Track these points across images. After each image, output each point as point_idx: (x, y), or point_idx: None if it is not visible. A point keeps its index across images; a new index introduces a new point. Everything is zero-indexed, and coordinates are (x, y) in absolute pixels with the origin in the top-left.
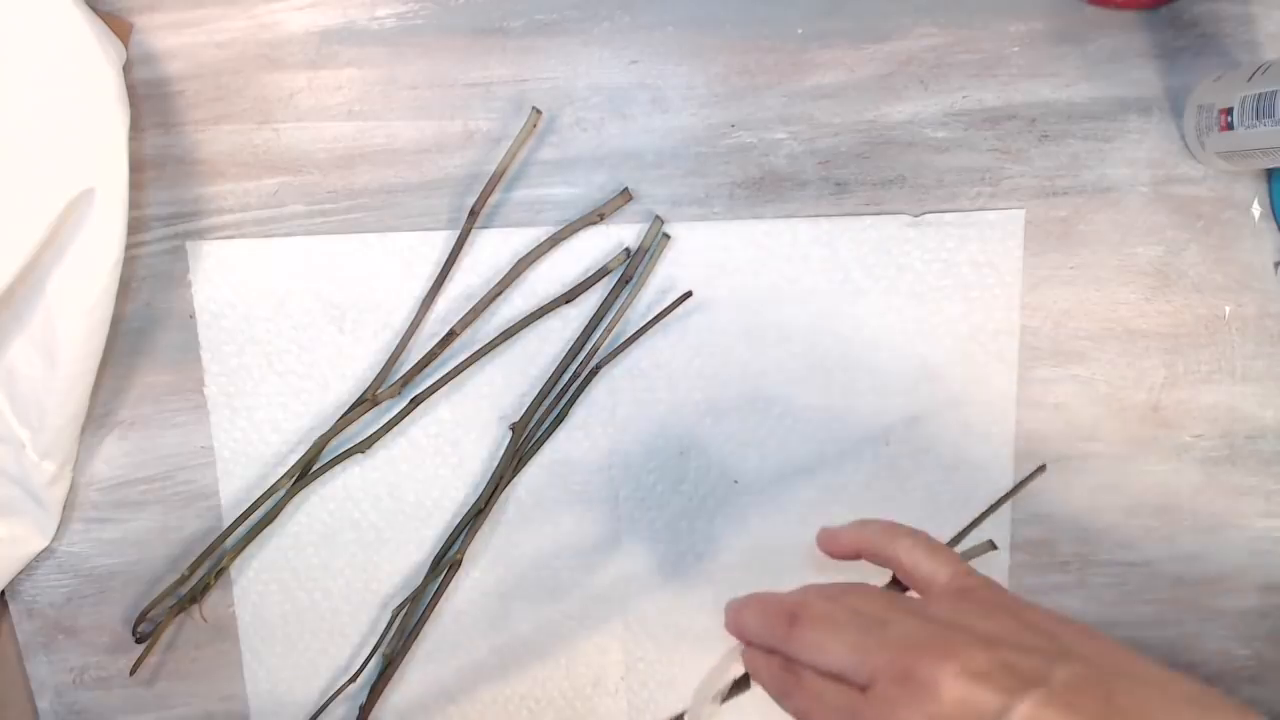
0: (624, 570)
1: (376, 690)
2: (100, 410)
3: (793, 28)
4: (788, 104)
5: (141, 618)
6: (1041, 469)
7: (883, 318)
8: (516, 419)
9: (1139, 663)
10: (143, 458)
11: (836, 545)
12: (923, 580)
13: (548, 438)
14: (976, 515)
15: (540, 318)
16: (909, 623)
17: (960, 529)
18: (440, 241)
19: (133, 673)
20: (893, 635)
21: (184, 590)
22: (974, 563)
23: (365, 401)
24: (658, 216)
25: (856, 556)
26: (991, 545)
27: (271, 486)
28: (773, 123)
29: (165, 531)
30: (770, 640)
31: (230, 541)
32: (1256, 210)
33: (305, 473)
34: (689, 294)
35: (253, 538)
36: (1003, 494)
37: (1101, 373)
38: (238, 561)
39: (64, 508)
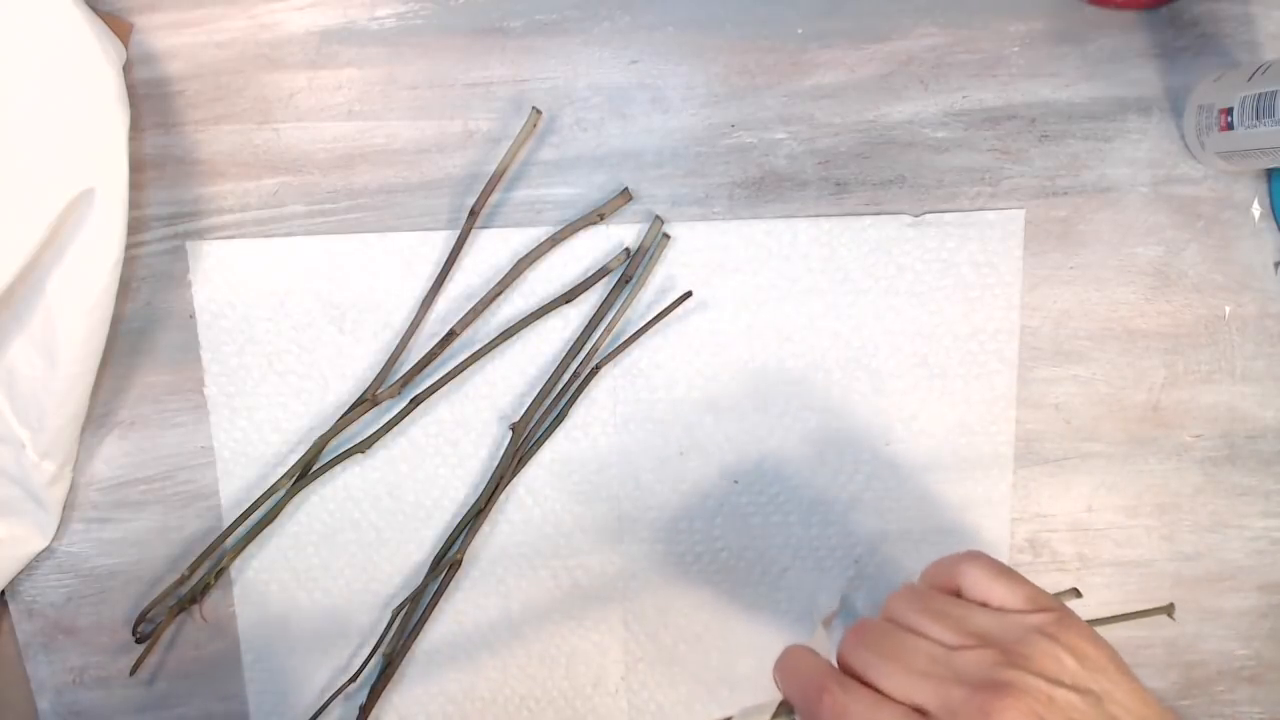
0: (624, 570)
1: (376, 690)
2: (100, 410)
3: (793, 28)
4: (788, 104)
5: (141, 618)
6: (1169, 608)
7: (882, 318)
8: (516, 419)
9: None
10: (143, 458)
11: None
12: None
13: (548, 438)
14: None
15: (540, 318)
16: (979, 656)
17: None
18: (440, 241)
19: (133, 673)
20: (964, 668)
21: (184, 590)
22: None
23: (365, 401)
24: (658, 216)
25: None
26: (1076, 593)
27: (271, 486)
28: (773, 123)
29: (165, 531)
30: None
31: (230, 541)
32: (1256, 210)
33: (305, 473)
34: (689, 294)
35: (253, 538)
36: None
37: (1101, 373)
38: (238, 561)
39: (64, 508)
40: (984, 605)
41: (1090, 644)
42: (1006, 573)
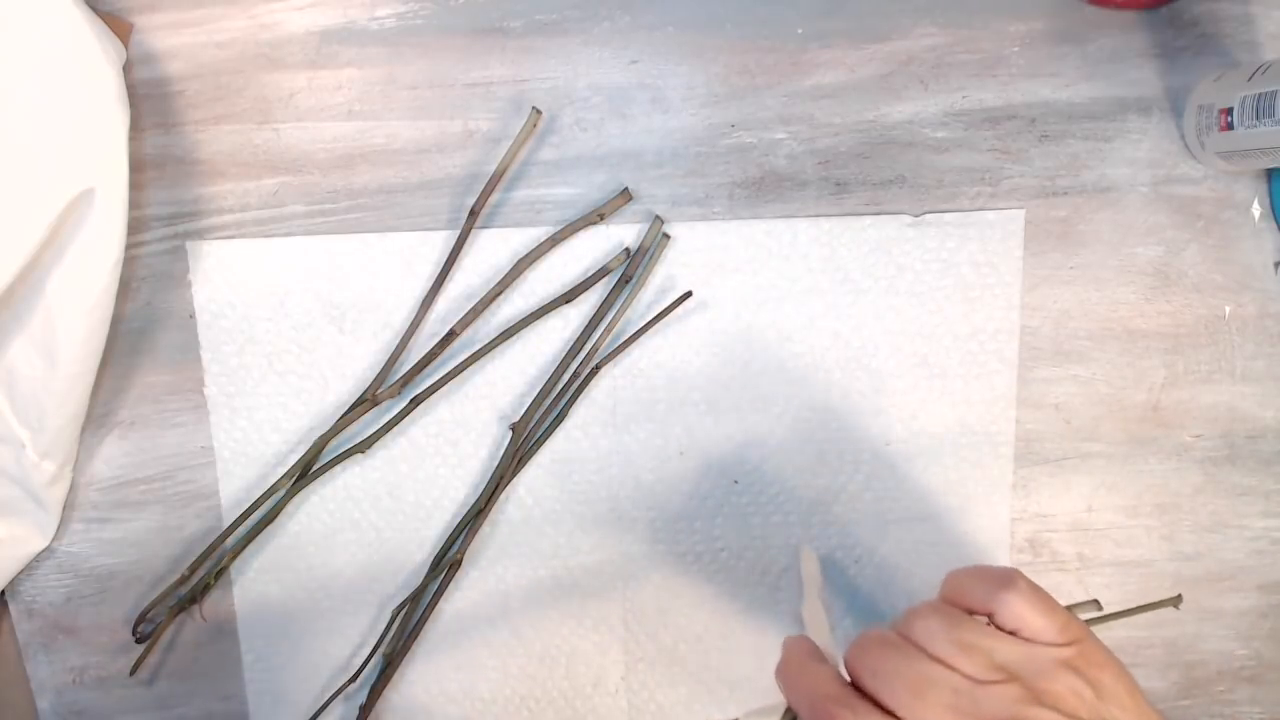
0: (624, 571)
1: (376, 690)
2: (100, 410)
3: (793, 28)
4: (788, 104)
5: (141, 618)
6: (1177, 599)
7: (882, 318)
8: (516, 419)
9: None
10: (143, 458)
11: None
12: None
13: (548, 438)
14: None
15: (540, 318)
16: (1004, 692)
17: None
18: (440, 241)
19: (133, 673)
20: (988, 705)
21: (184, 590)
22: None
23: (365, 401)
24: (658, 216)
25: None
26: (1097, 605)
27: (271, 486)
28: (773, 123)
29: (165, 531)
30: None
31: (230, 541)
32: (1256, 210)
33: (305, 473)
34: (689, 294)
35: (253, 538)
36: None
37: (1101, 373)
38: (238, 561)
39: (64, 508)
40: (1013, 634)
41: (1108, 673)
42: (1044, 602)
